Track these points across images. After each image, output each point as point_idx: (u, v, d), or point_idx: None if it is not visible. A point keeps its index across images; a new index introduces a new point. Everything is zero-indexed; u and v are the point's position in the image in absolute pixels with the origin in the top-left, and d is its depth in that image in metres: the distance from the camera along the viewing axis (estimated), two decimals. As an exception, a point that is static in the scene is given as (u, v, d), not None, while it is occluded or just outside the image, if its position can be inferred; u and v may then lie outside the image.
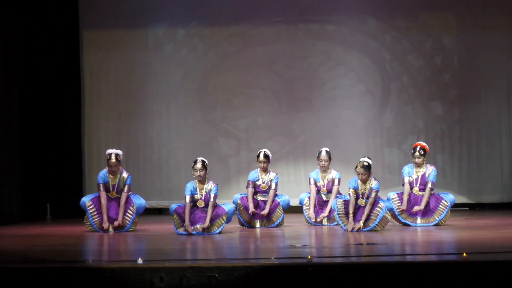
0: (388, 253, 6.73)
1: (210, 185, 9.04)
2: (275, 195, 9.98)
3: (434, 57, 12.74)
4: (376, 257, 6.34)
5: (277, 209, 9.90)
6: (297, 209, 10.70)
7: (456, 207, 12.22)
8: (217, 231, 8.94)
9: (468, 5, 12.69)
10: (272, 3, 12.90)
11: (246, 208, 9.88)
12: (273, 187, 9.93)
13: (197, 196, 9.04)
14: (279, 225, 9.90)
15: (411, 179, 9.63)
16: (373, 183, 8.98)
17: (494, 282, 5.64)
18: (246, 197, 9.95)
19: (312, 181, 10.12)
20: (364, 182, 9.00)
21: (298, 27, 12.92)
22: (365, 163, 8.96)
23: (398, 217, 9.50)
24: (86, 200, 9.62)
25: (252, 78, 12.95)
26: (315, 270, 5.72)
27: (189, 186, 9.06)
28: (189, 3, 12.97)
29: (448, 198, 9.56)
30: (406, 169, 9.72)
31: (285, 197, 10.05)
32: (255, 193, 10.00)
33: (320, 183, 10.12)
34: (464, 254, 5.97)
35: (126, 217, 9.55)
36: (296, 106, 12.92)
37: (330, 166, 10.14)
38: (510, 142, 12.63)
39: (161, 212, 12.73)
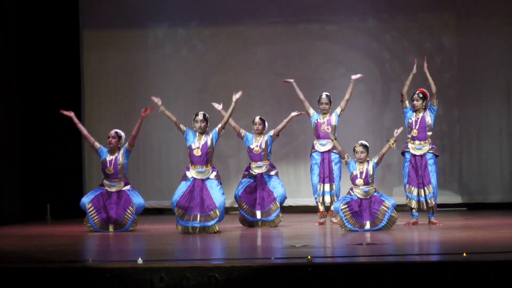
0: (388, 253, 6.73)
1: (209, 135, 9.30)
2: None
3: (434, 57, 12.73)
4: (376, 257, 6.34)
5: (272, 204, 9.85)
6: (297, 209, 10.69)
7: (456, 207, 12.25)
8: (213, 223, 8.95)
9: (468, 5, 12.68)
10: (272, 3, 12.90)
11: (247, 208, 9.87)
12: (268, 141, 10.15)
13: (194, 145, 9.09)
14: (276, 218, 9.84)
15: (410, 121, 9.80)
16: (371, 163, 9.12)
17: (494, 282, 5.64)
18: (245, 191, 9.98)
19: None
20: (361, 162, 9.05)
21: (298, 27, 12.91)
22: (363, 143, 9.20)
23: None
24: (86, 201, 9.62)
25: (252, 78, 12.94)
26: (315, 270, 5.72)
27: (191, 133, 9.28)
28: (189, 3, 12.97)
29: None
30: (408, 111, 9.85)
31: (281, 191, 9.93)
32: (250, 163, 10.12)
33: (321, 120, 10.32)
34: (464, 254, 5.97)
35: (126, 216, 9.57)
36: (296, 106, 12.89)
37: (331, 110, 10.39)
38: (510, 142, 12.62)
39: (161, 212, 12.72)
